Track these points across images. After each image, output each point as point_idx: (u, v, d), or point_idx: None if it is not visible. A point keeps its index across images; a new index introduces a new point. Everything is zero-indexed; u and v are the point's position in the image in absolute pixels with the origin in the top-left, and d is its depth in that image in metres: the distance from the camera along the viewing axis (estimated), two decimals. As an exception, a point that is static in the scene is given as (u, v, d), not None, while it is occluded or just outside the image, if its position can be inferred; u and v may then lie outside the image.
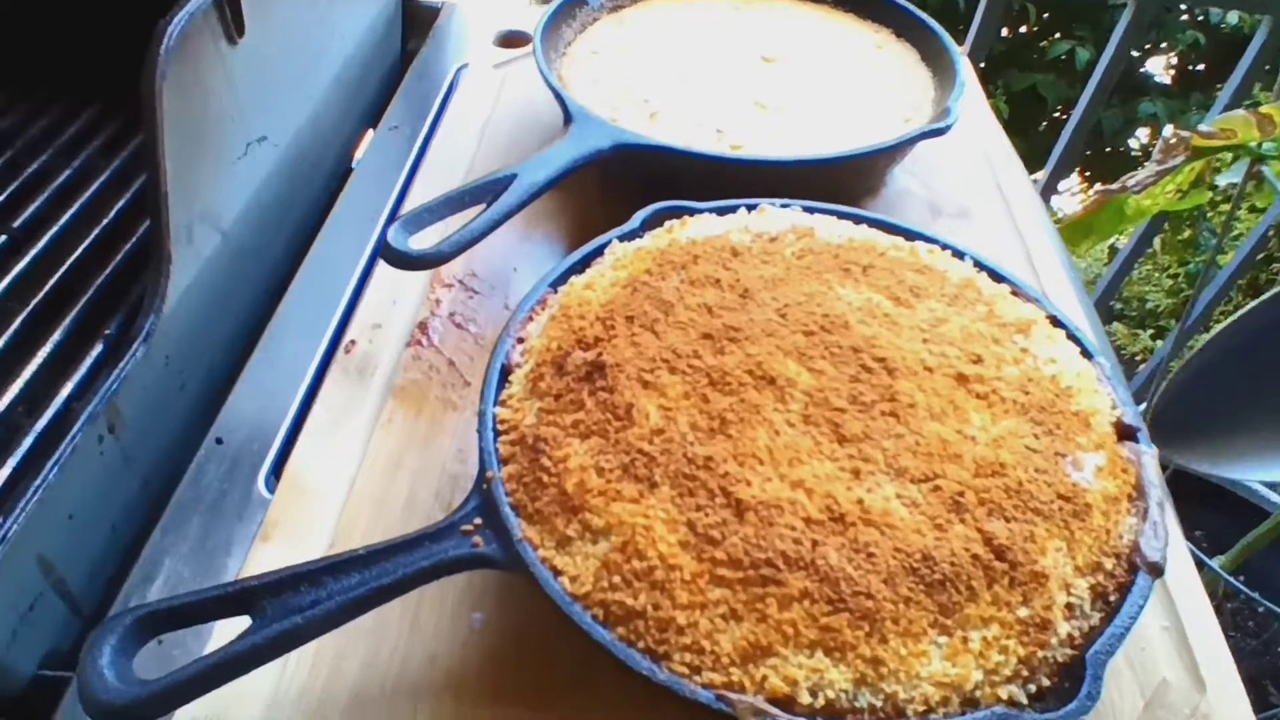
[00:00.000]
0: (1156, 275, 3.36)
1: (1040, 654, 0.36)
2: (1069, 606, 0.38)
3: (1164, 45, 2.94)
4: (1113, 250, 2.64)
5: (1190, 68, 3.08)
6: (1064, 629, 0.37)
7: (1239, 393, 0.93)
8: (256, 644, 0.35)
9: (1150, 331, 2.79)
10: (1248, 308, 0.90)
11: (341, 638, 0.43)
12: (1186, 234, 2.91)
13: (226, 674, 0.35)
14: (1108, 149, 3.01)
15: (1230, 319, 0.92)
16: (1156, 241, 2.50)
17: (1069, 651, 0.37)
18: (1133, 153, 3.03)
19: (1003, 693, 0.36)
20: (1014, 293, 0.53)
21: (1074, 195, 3.13)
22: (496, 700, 0.42)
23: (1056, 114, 2.98)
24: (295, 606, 0.36)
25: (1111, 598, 0.39)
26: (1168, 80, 3.10)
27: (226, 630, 0.43)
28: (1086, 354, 0.50)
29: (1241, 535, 1.09)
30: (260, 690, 0.42)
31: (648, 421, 0.42)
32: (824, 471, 0.41)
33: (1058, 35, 2.95)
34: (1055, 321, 0.51)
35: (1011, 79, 2.79)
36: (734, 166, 0.64)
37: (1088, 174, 3.22)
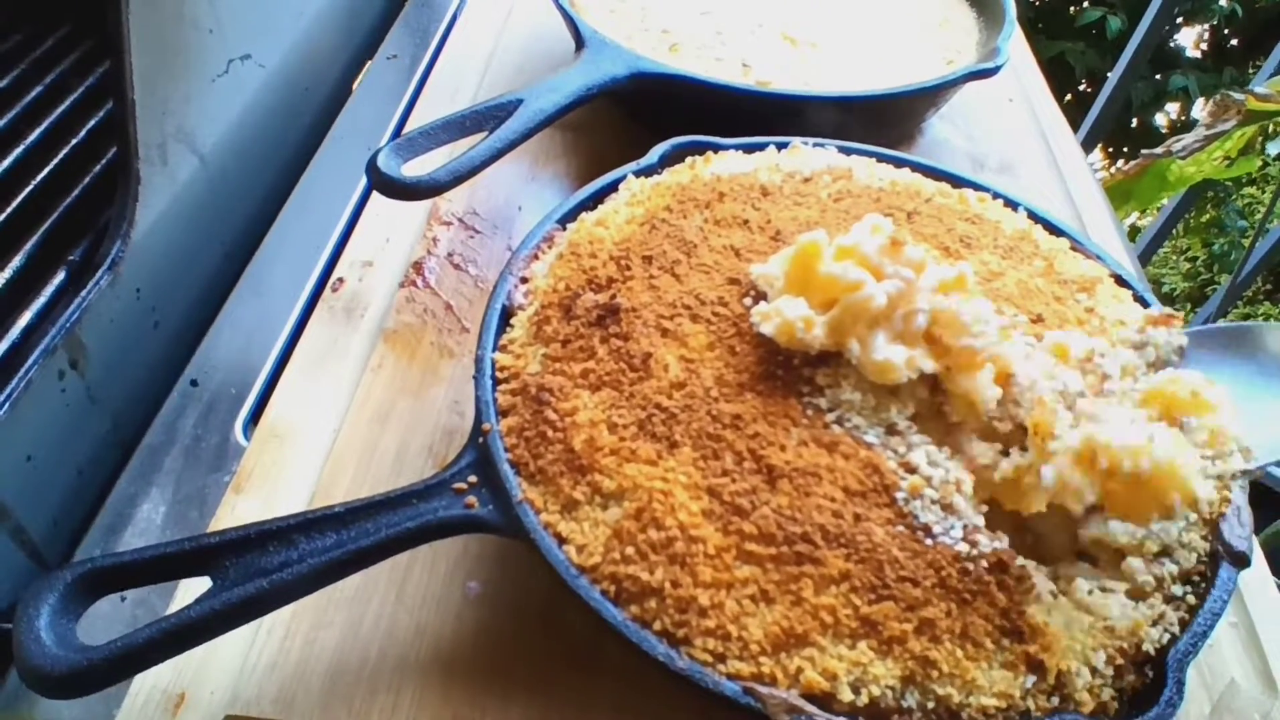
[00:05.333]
0: (1174, 258, 3.29)
1: (1120, 661, 0.32)
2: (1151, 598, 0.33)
3: (1197, 17, 2.85)
4: (1134, 230, 2.58)
5: (1223, 42, 2.99)
6: (1149, 630, 0.32)
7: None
8: (215, 609, 0.30)
9: (1166, 314, 2.72)
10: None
11: (319, 603, 0.39)
12: (1209, 214, 2.84)
13: (181, 642, 0.31)
14: (1133, 122, 2.93)
15: None
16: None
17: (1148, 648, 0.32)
18: (1159, 128, 2.95)
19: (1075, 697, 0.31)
20: (1074, 248, 0.48)
21: (1095, 170, 3.05)
22: (490, 679, 0.37)
23: (1082, 86, 2.89)
24: (261, 568, 0.32)
25: (1177, 588, 0.35)
26: (1198, 54, 3.01)
27: (193, 589, 0.39)
28: (1156, 318, 0.44)
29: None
30: (227, 661, 0.37)
31: (667, 374, 0.38)
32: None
33: (1085, 4, 2.85)
34: (1120, 281, 0.46)
35: (1039, 46, 2.70)
36: (763, 102, 0.59)
37: (1109, 149, 3.14)
